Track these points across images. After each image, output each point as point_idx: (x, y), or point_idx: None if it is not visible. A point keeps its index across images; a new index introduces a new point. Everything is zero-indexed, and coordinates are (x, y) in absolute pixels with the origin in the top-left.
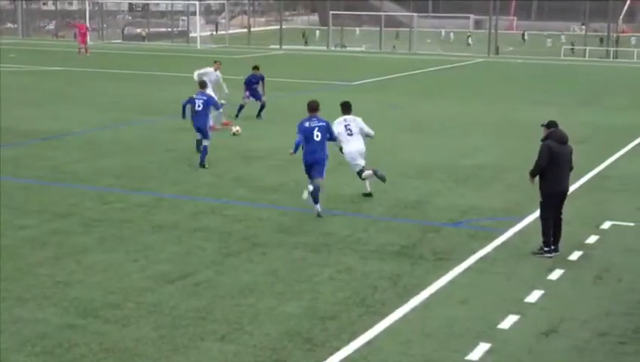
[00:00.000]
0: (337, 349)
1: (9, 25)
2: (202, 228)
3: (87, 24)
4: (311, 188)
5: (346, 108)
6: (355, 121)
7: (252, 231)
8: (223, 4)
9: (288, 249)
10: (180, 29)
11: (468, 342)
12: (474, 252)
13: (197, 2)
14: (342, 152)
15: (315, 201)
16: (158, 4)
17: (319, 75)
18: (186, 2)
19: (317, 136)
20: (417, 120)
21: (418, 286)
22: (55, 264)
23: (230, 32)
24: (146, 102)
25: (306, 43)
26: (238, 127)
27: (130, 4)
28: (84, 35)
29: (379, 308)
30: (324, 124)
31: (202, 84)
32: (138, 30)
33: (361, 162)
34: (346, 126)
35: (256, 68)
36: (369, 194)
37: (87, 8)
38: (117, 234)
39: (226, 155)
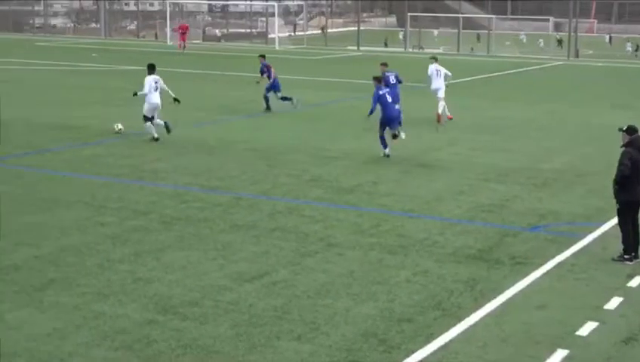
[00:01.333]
0: (413, 352)
1: (92, 25)
2: (280, 227)
3: (181, 24)
4: (403, 135)
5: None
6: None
7: (329, 232)
8: (302, 5)
9: (365, 250)
10: (258, 29)
11: (545, 348)
12: (552, 257)
13: (276, 3)
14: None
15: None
16: (237, 5)
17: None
18: (265, 3)
19: (389, 99)
20: (495, 123)
21: (495, 290)
22: (135, 261)
23: (308, 33)
24: (225, 101)
25: (386, 45)
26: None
27: (209, 5)
28: (184, 34)
29: (455, 312)
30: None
31: (379, 80)
32: (217, 31)
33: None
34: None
35: (262, 56)
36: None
37: (168, 9)
38: (195, 232)
39: (302, 156)
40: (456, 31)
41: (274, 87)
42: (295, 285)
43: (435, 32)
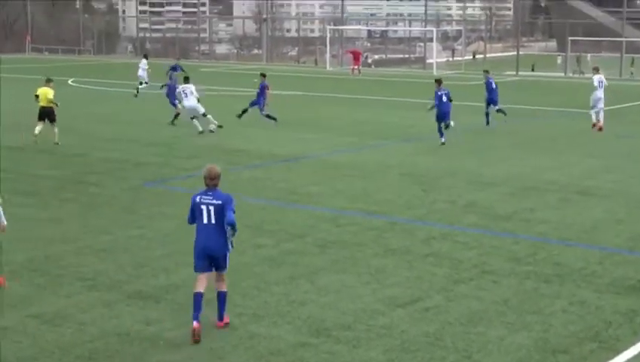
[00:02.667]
0: None
1: (255, 51)
2: (434, 253)
3: (357, 49)
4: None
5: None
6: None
7: (483, 259)
8: (460, 30)
9: (520, 278)
10: (416, 55)
11: None
12: None
13: (434, 29)
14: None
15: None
16: (396, 30)
17: (555, 101)
18: (424, 29)
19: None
20: None
21: None
22: (290, 283)
23: (466, 58)
24: (381, 126)
25: (532, 70)
26: None
27: (369, 30)
28: (357, 58)
29: (613, 344)
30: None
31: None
32: (376, 56)
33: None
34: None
35: (263, 75)
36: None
37: (328, 35)
38: (350, 256)
39: (458, 181)
40: (618, 55)
41: (258, 103)
42: (448, 311)
43: (596, 56)
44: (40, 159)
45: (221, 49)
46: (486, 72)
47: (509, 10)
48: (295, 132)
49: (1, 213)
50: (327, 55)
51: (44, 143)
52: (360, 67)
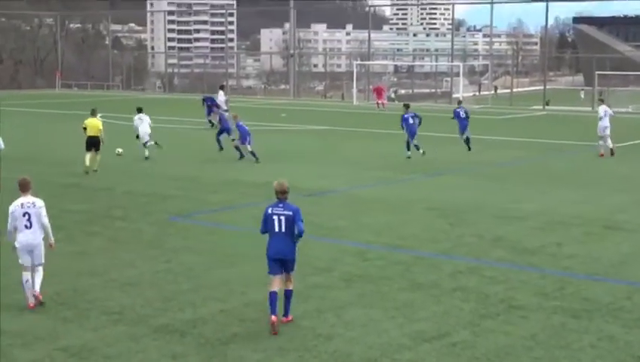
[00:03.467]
0: None
1: (282, 86)
2: (460, 287)
3: (382, 85)
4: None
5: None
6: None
7: (510, 294)
8: (487, 65)
9: (547, 313)
10: (443, 89)
11: None
12: None
13: (461, 64)
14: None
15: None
16: (422, 65)
17: (582, 136)
18: (451, 64)
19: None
20: None
21: None
22: (316, 317)
23: (492, 92)
24: (407, 160)
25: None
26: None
27: (395, 65)
28: (380, 94)
29: None
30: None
31: (407, 106)
32: (402, 91)
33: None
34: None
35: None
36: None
37: (355, 70)
38: (376, 290)
39: (484, 216)
40: None
41: (226, 130)
42: (475, 346)
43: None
44: (68, 193)
45: (249, 83)
46: (459, 102)
47: (536, 44)
48: (321, 166)
49: (49, 230)
50: (354, 90)
51: (73, 176)
52: (383, 101)
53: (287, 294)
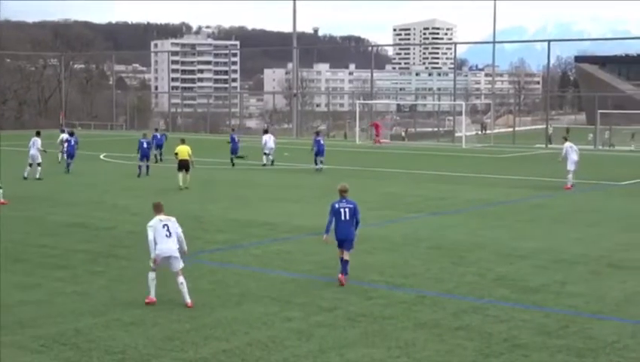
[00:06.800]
0: None
1: (285, 125)
2: (463, 326)
3: (379, 122)
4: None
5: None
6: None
7: (514, 333)
8: (489, 104)
9: (551, 352)
10: (445, 128)
11: None
12: None
13: (463, 103)
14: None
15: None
16: (425, 104)
17: (586, 174)
18: (453, 102)
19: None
20: None
21: None
22: (319, 356)
23: (495, 131)
24: (410, 199)
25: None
26: None
27: (398, 105)
28: (378, 130)
29: None
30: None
31: None
32: (402, 131)
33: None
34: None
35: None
36: None
37: (357, 109)
38: (379, 329)
39: (487, 254)
40: None
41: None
42: None
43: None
44: (73, 233)
45: (251, 124)
46: (316, 133)
47: (538, 83)
48: (324, 205)
49: (183, 239)
50: (357, 129)
51: (77, 216)
52: (379, 139)
53: (344, 262)
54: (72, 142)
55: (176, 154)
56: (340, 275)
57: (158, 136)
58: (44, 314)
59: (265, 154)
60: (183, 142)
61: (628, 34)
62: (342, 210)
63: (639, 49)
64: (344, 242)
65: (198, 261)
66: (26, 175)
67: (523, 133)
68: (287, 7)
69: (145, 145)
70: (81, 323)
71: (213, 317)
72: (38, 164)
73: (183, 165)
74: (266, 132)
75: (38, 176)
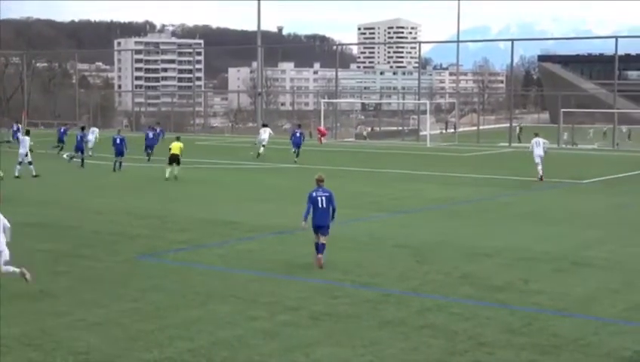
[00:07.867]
0: None
1: (249, 124)
2: (428, 325)
3: (323, 126)
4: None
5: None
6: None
7: (478, 330)
8: (454, 103)
9: (516, 349)
10: (410, 127)
11: None
12: None
13: (427, 102)
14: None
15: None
16: (389, 103)
17: (549, 173)
18: (417, 102)
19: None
20: None
21: None
22: (284, 355)
23: (460, 130)
24: (374, 198)
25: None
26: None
27: (362, 103)
28: (322, 135)
29: None
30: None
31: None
32: (368, 129)
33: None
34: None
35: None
36: None
37: (322, 108)
38: (344, 328)
39: (452, 253)
40: (611, 127)
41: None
42: None
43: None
44: (34, 233)
45: (216, 122)
46: (298, 125)
47: (502, 82)
48: (289, 204)
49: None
50: (322, 128)
51: (40, 216)
52: (323, 139)
53: (321, 246)
54: (79, 138)
55: (170, 149)
56: (318, 256)
57: (150, 135)
58: (6, 314)
59: (262, 146)
60: (177, 139)
61: (590, 34)
62: (319, 198)
63: (601, 48)
64: (321, 228)
65: (162, 260)
66: (17, 173)
67: (487, 132)
68: (252, 6)
69: (118, 141)
70: (44, 324)
71: (178, 316)
72: (29, 163)
73: (174, 159)
74: (264, 126)
75: (34, 174)
